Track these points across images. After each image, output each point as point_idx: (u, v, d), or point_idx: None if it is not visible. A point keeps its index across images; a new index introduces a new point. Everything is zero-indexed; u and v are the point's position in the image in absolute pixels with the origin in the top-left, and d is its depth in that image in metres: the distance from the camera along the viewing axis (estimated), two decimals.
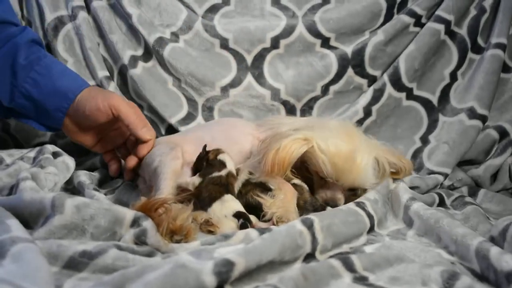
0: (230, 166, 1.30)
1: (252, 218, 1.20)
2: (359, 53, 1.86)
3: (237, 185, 1.31)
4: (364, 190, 1.34)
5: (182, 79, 1.87)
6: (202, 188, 1.25)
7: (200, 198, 1.23)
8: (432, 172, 1.77)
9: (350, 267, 0.90)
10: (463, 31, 1.86)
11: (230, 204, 1.20)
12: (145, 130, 1.37)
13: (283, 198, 1.22)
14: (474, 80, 1.83)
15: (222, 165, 1.29)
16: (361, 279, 0.88)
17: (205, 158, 1.33)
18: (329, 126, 1.37)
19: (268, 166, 1.26)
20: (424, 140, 1.87)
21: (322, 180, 1.32)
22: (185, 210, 1.09)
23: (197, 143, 1.39)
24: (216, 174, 1.27)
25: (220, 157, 1.30)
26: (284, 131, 1.37)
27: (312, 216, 1.04)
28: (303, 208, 1.27)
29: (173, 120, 1.86)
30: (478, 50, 1.88)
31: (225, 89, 1.89)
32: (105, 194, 1.42)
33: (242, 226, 1.13)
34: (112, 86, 1.82)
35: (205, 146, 1.33)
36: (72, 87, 1.34)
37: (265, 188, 1.27)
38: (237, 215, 1.17)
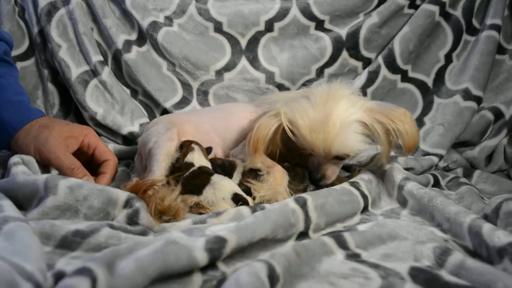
0: (199, 163, 1.26)
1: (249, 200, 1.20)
2: (354, 35, 1.86)
3: (237, 177, 1.30)
4: (359, 168, 1.33)
5: (177, 63, 1.87)
6: (185, 184, 1.22)
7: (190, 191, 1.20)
8: (427, 154, 1.77)
9: (342, 244, 0.90)
10: (458, 12, 1.85)
11: (222, 185, 1.19)
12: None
13: (272, 180, 1.22)
14: (469, 62, 1.83)
15: (190, 165, 1.25)
16: (353, 256, 0.88)
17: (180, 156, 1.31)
18: (313, 92, 1.30)
19: (249, 147, 1.26)
20: (419, 122, 1.87)
21: (307, 151, 1.30)
22: (174, 191, 1.09)
23: (197, 128, 1.40)
24: (187, 173, 1.24)
25: (188, 159, 1.27)
26: (265, 110, 1.35)
27: (306, 195, 1.05)
28: (302, 178, 1.29)
29: (167, 105, 1.86)
30: (473, 31, 1.88)
31: (219, 73, 1.89)
32: None
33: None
34: (106, 71, 1.82)
35: (181, 145, 1.32)
36: (14, 122, 1.22)
37: (257, 174, 1.27)
38: (235, 198, 1.16)
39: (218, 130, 1.45)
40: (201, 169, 1.24)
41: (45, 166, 1.20)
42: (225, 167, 1.28)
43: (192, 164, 1.24)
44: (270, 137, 1.27)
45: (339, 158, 1.30)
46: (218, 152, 1.42)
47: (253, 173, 1.27)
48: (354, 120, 1.23)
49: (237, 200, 1.15)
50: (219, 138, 1.44)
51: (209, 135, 1.39)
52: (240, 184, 1.25)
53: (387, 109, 1.27)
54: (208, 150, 1.33)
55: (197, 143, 1.30)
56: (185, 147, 1.28)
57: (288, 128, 1.25)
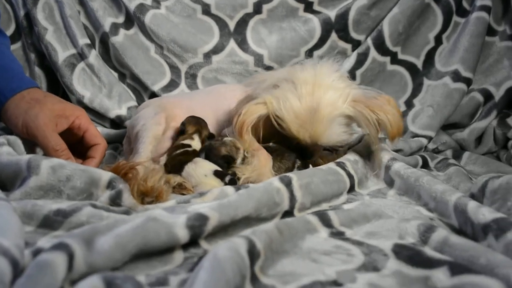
0: (196, 147, 1.27)
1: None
2: (343, 17, 1.85)
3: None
4: (344, 153, 1.32)
5: (164, 46, 1.86)
6: (169, 161, 1.23)
7: (171, 169, 1.20)
8: (416, 135, 1.77)
9: (327, 222, 0.90)
10: None
11: (204, 164, 1.19)
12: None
13: (256, 163, 1.21)
14: (459, 43, 1.82)
15: (187, 146, 1.26)
16: (337, 234, 0.88)
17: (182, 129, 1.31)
18: (299, 77, 1.26)
19: (235, 129, 1.25)
20: (409, 104, 1.87)
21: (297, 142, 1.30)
22: (157, 172, 1.08)
23: (189, 112, 1.38)
24: (180, 150, 1.25)
25: (187, 141, 1.27)
26: (253, 93, 1.34)
27: (291, 174, 1.04)
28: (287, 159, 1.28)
29: (155, 88, 1.85)
30: (463, 13, 1.87)
31: (207, 56, 1.87)
32: None
33: (231, 182, 1.12)
34: (93, 54, 1.81)
35: (183, 123, 1.31)
36: (5, 90, 1.20)
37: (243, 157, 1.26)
38: (219, 173, 1.16)
39: (210, 112, 1.44)
40: (194, 151, 1.25)
41: (31, 146, 1.19)
42: (229, 159, 1.27)
43: (189, 146, 1.25)
44: (254, 123, 1.25)
45: (325, 149, 1.32)
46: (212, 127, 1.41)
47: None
48: (340, 114, 1.23)
49: (221, 175, 1.15)
50: (212, 119, 1.43)
51: (201, 114, 1.38)
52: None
53: (372, 98, 1.25)
54: (210, 137, 1.33)
55: (198, 130, 1.31)
56: (187, 133, 1.29)
57: (274, 119, 1.25)
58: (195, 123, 1.32)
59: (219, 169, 1.18)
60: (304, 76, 1.26)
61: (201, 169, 1.16)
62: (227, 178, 1.13)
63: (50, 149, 1.13)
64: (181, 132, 1.30)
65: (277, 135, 1.30)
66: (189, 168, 1.17)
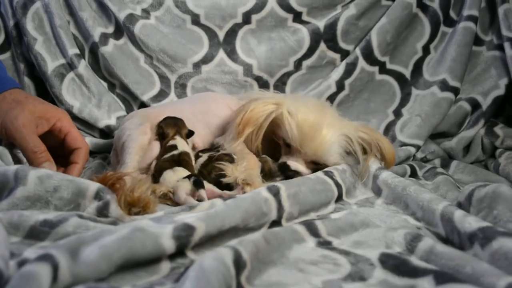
0: (182, 148, 1.29)
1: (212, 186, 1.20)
2: (332, 27, 1.86)
3: (196, 167, 1.31)
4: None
5: (154, 56, 1.86)
6: (156, 166, 1.26)
7: (155, 174, 1.23)
8: (404, 144, 1.78)
9: (314, 232, 0.90)
10: (435, 4, 1.86)
11: (181, 173, 1.19)
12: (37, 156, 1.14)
13: (246, 164, 1.22)
14: (446, 53, 1.84)
15: (173, 148, 1.28)
16: (324, 244, 0.88)
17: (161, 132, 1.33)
18: (305, 100, 1.35)
19: (236, 125, 1.27)
20: (397, 113, 1.88)
21: (287, 147, 1.32)
22: (144, 183, 1.08)
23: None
24: (168, 155, 1.27)
25: (171, 142, 1.29)
26: (259, 97, 1.36)
27: (279, 183, 1.04)
28: (269, 175, 1.26)
29: (145, 98, 1.85)
30: (450, 23, 1.89)
31: (197, 66, 1.87)
32: None
33: (195, 183, 1.12)
34: (83, 64, 1.81)
35: (161, 127, 1.33)
36: None
37: (229, 160, 1.26)
38: (188, 176, 1.16)
39: (199, 115, 1.45)
40: (180, 156, 1.26)
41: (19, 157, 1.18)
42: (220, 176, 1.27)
43: (175, 147, 1.27)
44: (261, 121, 1.28)
45: (314, 163, 1.32)
46: (201, 134, 1.42)
47: (227, 158, 1.27)
48: (343, 134, 1.27)
49: (188, 177, 1.15)
50: (201, 123, 1.44)
51: (190, 121, 1.38)
52: (210, 172, 1.25)
53: (369, 128, 1.35)
54: (188, 135, 1.35)
55: (177, 131, 1.33)
56: (168, 136, 1.31)
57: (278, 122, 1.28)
58: (174, 124, 1.34)
59: (190, 173, 1.19)
60: (310, 99, 1.41)
61: (175, 177, 1.17)
62: (192, 179, 1.13)
63: (28, 151, 1.11)
64: (161, 135, 1.33)
65: (269, 142, 1.32)
66: (167, 174, 1.19)
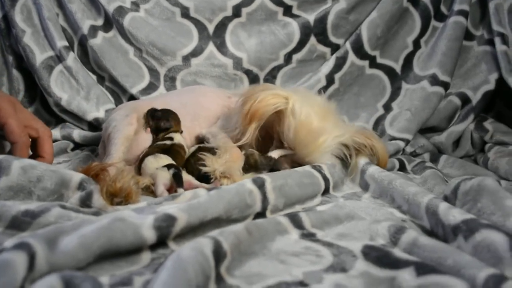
0: (178, 140, 1.29)
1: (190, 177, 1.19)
2: (322, 21, 1.86)
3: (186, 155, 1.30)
4: None
5: (143, 49, 1.85)
6: (144, 152, 1.25)
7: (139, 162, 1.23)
8: (393, 139, 1.78)
9: (298, 224, 0.90)
10: None
11: (163, 160, 1.18)
12: None
13: (228, 157, 1.21)
14: (437, 48, 1.84)
15: (169, 139, 1.28)
16: (308, 235, 0.88)
17: (163, 127, 1.32)
18: (313, 100, 1.32)
19: (244, 115, 1.25)
20: (387, 107, 1.88)
21: (280, 144, 1.31)
22: (127, 173, 1.06)
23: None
24: (160, 143, 1.27)
25: (169, 135, 1.30)
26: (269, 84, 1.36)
27: (264, 176, 1.04)
28: (255, 168, 1.26)
29: (134, 90, 1.85)
30: (441, 17, 1.89)
31: (186, 59, 1.87)
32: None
33: (175, 176, 1.11)
34: (71, 57, 1.81)
35: (167, 119, 1.33)
36: None
37: (213, 152, 1.25)
38: (168, 166, 1.15)
39: (188, 106, 1.45)
40: (172, 146, 1.26)
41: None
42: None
43: (171, 138, 1.28)
44: (268, 112, 1.26)
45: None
46: (189, 126, 1.41)
47: (210, 151, 1.26)
48: (339, 142, 1.27)
49: (168, 167, 1.14)
50: (190, 115, 1.43)
51: (178, 113, 1.37)
52: (192, 163, 1.25)
53: (368, 133, 1.36)
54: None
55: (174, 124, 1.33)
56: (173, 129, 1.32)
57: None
58: (178, 120, 1.35)
59: (172, 162, 1.18)
60: (318, 99, 1.36)
61: (156, 163, 1.17)
62: (171, 171, 1.12)
63: None
64: (166, 128, 1.32)
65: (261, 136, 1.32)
66: (148, 160, 1.19)
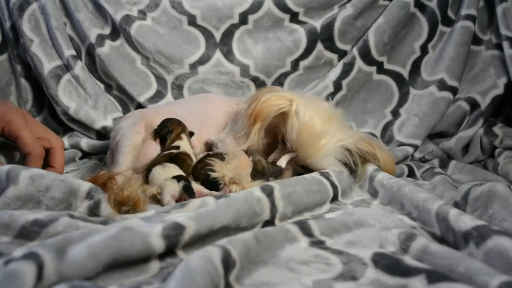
0: (184, 148, 1.29)
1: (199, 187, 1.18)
2: (328, 27, 1.85)
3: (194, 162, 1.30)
4: None
5: (150, 57, 1.86)
6: (151, 161, 1.25)
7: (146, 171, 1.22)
8: (402, 144, 1.77)
9: (307, 231, 0.89)
10: (433, 3, 1.86)
11: (171, 170, 1.17)
12: None
13: (236, 163, 1.21)
14: (445, 53, 1.83)
15: (175, 148, 1.28)
16: (317, 243, 0.87)
17: (165, 134, 1.32)
18: (318, 104, 1.33)
19: (249, 115, 1.26)
20: (395, 113, 1.87)
21: (283, 146, 1.31)
22: (135, 181, 1.06)
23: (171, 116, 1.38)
24: (166, 152, 1.27)
25: (175, 143, 1.29)
26: (275, 87, 1.36)
27: (273, 183, 1.03)
28: (263, 175, 1.25)
29: (142, 99, 1.85)
30: (448, 22, 1.88)
31: (193, 66, 1.87)
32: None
33: (185, 188, 1.10)
34: (79, 65, 1.80)
35: (166, 126, 1.33)
36: None
37: (222, 157, 1.25)
38: (177, 177, 1.14)
39: (195, 114, 1.45)
40: (178, 154, 1.26)
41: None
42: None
43: (177, 148, 1.27)
44: (273, 115, 1.27)
45: (305, 168, 1.31)
46: (197, 134, 1.41)
47: (218, 157, 1.26)
48: (342, 146, 1.27)
49: (178, 179, 1.13)
50: (197, 123, 1.43)
51: (186, 121, 1.37)
52: (199, 169, 1.24)
53: (372, 139, 1.37)
54: (191, 134, 1.37)
55: (183, 130, 1.33)
56: (175, 134, 1.31)
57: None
58: (178, 123, 1.34)
59: (181, 174, 1.18)
60: (323, 104, 1.35)
61: (164, 174, 1.15)
62: (181, 184, 1.11)
63: None
64: (167, 134, 1.31)
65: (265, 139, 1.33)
66: (155, 171, 1.17)
